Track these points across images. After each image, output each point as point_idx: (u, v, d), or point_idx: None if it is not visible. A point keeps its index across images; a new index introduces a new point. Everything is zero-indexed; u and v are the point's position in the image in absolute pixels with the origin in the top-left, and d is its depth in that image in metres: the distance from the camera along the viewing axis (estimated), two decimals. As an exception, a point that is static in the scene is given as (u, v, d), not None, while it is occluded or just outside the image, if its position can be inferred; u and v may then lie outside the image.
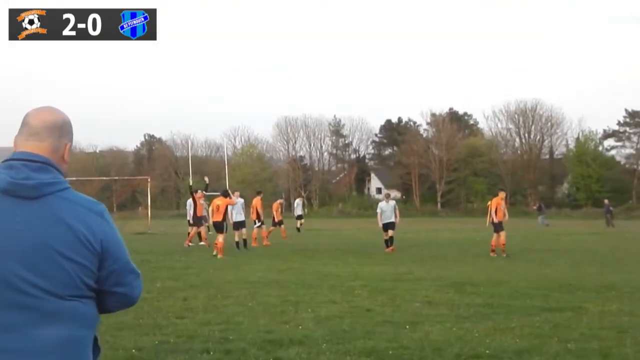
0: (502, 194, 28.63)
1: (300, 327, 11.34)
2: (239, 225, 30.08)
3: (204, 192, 33.93)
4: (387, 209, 29.09)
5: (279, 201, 40.22)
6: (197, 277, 18.79)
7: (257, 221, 33.34)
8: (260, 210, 33.50)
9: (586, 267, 22.09)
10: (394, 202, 30.22)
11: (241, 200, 31.13)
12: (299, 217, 47.20)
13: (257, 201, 34.03)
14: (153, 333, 10.92)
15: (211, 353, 9.49)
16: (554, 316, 12.41)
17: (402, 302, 14.07)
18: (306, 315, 12.52)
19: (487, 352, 9.48)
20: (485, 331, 10.97)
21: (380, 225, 28.94)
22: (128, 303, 3.58)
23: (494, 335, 10.68)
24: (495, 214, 27.24)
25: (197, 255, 26.83)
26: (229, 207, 29.59)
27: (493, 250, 26.84)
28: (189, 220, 34.30)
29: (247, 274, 19.77)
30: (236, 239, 29.74)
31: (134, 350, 9.67)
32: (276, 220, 36.79)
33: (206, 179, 35.83)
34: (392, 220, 28.85)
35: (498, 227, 27.01)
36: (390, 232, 28.61)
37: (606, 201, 65.87)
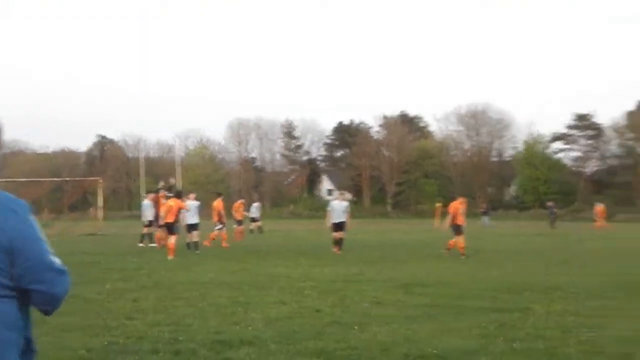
0: (461, 199, 28.49)
1: (250, 327, 11.33)
2: (192, 227, 29.85)
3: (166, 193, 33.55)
4: (338, 208, 28.42)
5: (240, 201, 40.45)
6: (148, 278, 18.69)
7: (219, 223, 33.31)
8: (222, 212, 33.51)
9: (533, 268, 22.28)
10: (347, 203, 29.59)
11: (196, 203, 30.85)
12: (254, 220, 47.15)
13: (218, 203, 34.01)
14: (102, 334, 10.84)
15: (160, 354, 9.45)
16: (501, 316, 12.50)
17: (351, 303, 14.10)
18: (256, 316, 12.51)
19: (434, 352, 9.53)
20: (433, 332, 11.03)
21: (329, 224, 28.46)
22: (51, 301, 3.46)
23: (441, 335, 10.74)
24: (455, 217, 27.29)
25: (149, 256, 26.66)
26: (191, 208, 29.74)
27: (448, 249, 27.11)
28: (150, 221, 34.04)
29: (199, 275, 19.69)
30: (187, 240, 29.51)
31: (83, 351, 9.60)
32: (237, 219, 36.72)
33: (172, 180, 35.66)
34: (343, 220, 28.24)
35: (458, 230, 27.10)
36: (340, 233, 28.10)
37: (550, 203, 66.61)
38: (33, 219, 3.47)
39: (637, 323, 12.00)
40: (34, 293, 3.40)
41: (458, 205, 27.63)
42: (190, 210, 29.94)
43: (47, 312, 3.53)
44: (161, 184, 34.60)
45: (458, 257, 25.91)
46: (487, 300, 14.65)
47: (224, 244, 32.50)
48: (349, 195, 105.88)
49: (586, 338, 10.58)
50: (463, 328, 11.35)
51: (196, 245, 29.20)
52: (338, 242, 28.20)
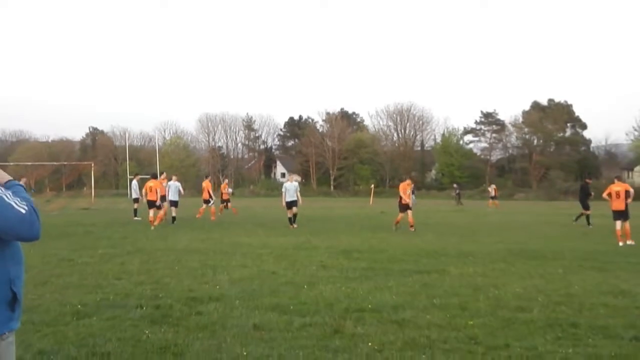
0: (408, 181, 27.45)
1: (217, 287, 11.29)
2: (172, 204, 29.79)
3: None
4: (290, 189, 27.20)
5: (225, 182, 40.30)
6: (132, 246, 18.50)
7: (210, 200, 33.21)
8: (210, 191, 33.40)
9: (449, 237, 22.47)
10: (296, 183, 28.19)
11: (177, 184, 30.59)
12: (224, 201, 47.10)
13: (207, 184, 33.83)
14: (95, 292, 10.74)
15: (144, 308, 9.39)
16: (423, 277, 12.59)
17: (301, 267, 14.10)
18: (222, 277, 12.46)
19: (370, 306, 9.59)
20: (368, 290, 11.08)
21: (284, 203, 27.46)
22: (19, 219, 3.49)
23: (375, 292, 10.80)
24: (402, 197, 26.55)
25: (133, 227, 26.42)
26: (172, 188, 29.84)
27: (396, 223, 26.31)
28: (136, 198, 33.89)
29: (174, 243, 19.55)
30: (173, 214, 29.23)
31: (79, 306, 9.50)
32: (207, 198, 35.87)
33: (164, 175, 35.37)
34: (295, 198, 27.16)
35: (404, 207, 26.35)
36: (294, 209, 27.17)
37: (455, 185, 67.27)
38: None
39: (529, 282, 12.19)
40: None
41: (405, 187, 26.82)
42: (171, 189, 29.90)
43: (27, 237, 3.53)
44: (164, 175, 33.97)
45: (407, 230, 25.43)
46: (411, 263, 14.75)
47: (212, 217, 32.41)
48: (298, 178, 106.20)
49: (492, 295, 10.72)
50: (392, 286, 11.42)
51: (173, 219, 28.92)
52: (291, 219, 27.13)
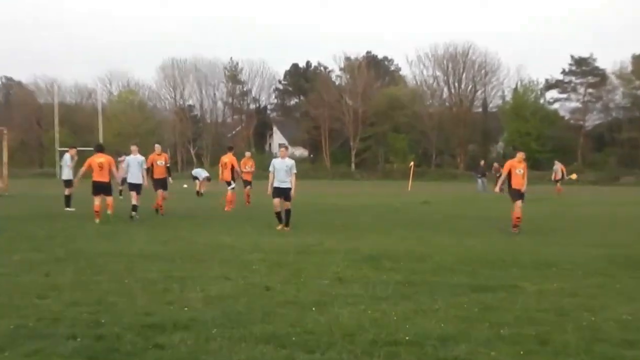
0: (520, 155, 26.32)
1: (186, 308, 11.29)
2: (132, 187, 29.45)
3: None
4: (281, 168, 25.34)
5: (232, 152, 38.58)
6: (63, 249, 18.55)
7: (232, 182, 34.05)
8: (237, 168, 34.54)
9: (520, 238, 22.43)
10: (292, 161, 25.99)
11: (140, 158, 30.24)
12: (196, 178, 47.35)
13: (230, 158, 34.49)
14: (8, 315, 10.75)
15: (79, 339, 9.39)
16: (484, 297, 12.57)
17: (308, 279, 14.10)
18: (194, 294, 12.47)
19: (407, 338, 9.57)
20: (405, 314, 11.06)
21: (270, 190, 25.57)
22: None
23: (414, 318, 10.78)
24: (511, 179, 25.81)
25: (65, 222, 26.48)
26: (132, 165, 29.64)
27: (515, 226, 25.41)
28: (66, 181, 33.93)
29: (124, 245, 19.59)
30: (133, 201, 28.95)
31: (-17, 337, 9.53)
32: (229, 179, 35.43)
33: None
34: (288, 185, 25.28)
35: (516, 195, 25.74)
36: (285, 204, 25.39)
37: (482, 162, 67.34)
38: None
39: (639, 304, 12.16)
40: None
41: (515, 164, 25.92)
42: (131, 166, 29.63)
43: None
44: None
45: (516, 230, 25.07)
46: (467, 276, 14.72)
47: (228, 207, 33.32)
48: (303, 152, 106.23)
49: (586, 323, 10.68)
50: (440, 309, 11.40)
51: (134, 208, 28.63)
52: (281, 216, 25.60)
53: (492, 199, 41.30)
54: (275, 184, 25.49)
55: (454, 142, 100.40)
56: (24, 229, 23.75)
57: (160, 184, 31.71)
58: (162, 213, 30.29)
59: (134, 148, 30.58)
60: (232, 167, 34.17)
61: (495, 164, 66.91)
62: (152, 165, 31.38)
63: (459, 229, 25.47)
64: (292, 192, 25.43)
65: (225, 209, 33.45)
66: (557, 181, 55.75)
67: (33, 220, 27.08)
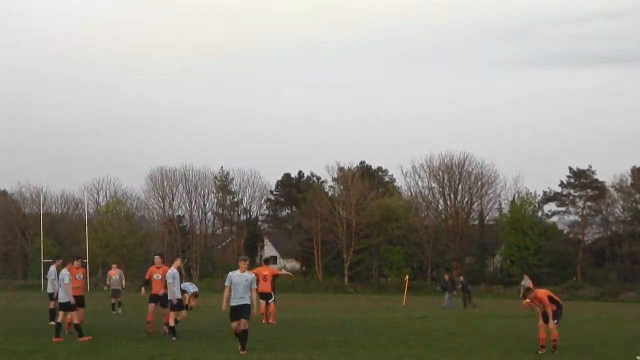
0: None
1: None
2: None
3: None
4: (240, 282, 22.76)
5: (269, 264, 40.05)
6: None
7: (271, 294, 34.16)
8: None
9: (521, 357, 22.29)
10: (252, 275, 23.44)
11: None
12: (184, 292, 47.18)
13: (269, 270, 35.10)
14: None
15: None
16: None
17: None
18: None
19: None
20: None
21: (224, 306, 22.98)
22: None
23: None
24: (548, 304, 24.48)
25: (47, 336, 26.28)
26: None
27: (554, 347, 24.36)
28: (53, 294, 33.71)
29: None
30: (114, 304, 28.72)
31: None
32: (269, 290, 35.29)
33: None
34: (246, 301, 22.70)
35: (553, 314, 24.40)
36: (241, 323, 22.78)
37: (462, 278, 66.99)
38: None
39: None
40: None
41: (546, 294, 24.95)
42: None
43: None
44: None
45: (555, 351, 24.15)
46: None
47: (270, 320, 33.65)
48: (295, 264, 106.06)
49: None
50: None
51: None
52: (240, 336, 23.19)
53: (483, 315, 41.14)
54: (233, 302, 22.80)
55: (449, 255, 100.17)
56: (4, 344, 23.59)
57: (157, 299, 29.26)
58: (149, 331, 27.92)
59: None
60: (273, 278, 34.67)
61: (462, 278, 66.60)
62: (149, 278, 29.87)
63: (456, 345, 25.32)
64: (254, 308, 23.54)
65: (270, 321, 33.80)
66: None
67: (14, 335, 26.90)
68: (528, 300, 24.64)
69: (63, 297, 27.96)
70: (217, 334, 27.84)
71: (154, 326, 29.31)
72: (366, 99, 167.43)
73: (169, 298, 27.44)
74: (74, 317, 27.27)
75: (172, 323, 27.20)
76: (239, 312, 22.61)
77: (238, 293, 22.72)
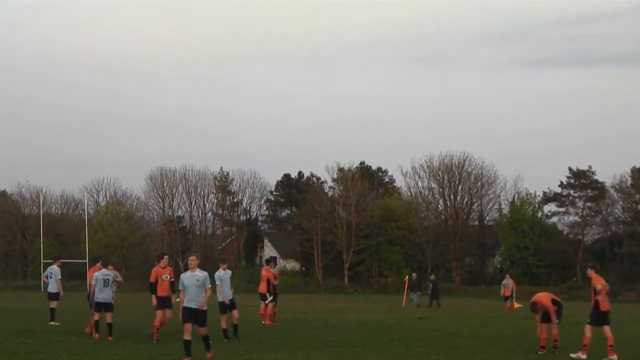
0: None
1: None
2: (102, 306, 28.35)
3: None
4: (190, 284, 21.81)
5: (270, 265, 38.34)
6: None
7: (268, 295, 34.22)
8: (272, 282, 34.46)
9: (521, 357, 22.30)
10: (203, 273, 22.42)
11: (110, 274, 29.20)
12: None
13: (267, 271, 34.91)
14: None
15: None
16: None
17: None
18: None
19: None
20: None
21: (220, 299, 25.72)
22: None
23: None
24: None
25: (49, 337, 26.27)
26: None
27: (554, 346, 24.25)
28: (52, 294, 33.58)
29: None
30: (108, 320, 28.12)
31: None
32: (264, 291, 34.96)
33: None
34: (199, 305, 21.80)
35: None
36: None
37: (432, 276, 66.95)
38: None
39: None
40: None
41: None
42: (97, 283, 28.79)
43: None
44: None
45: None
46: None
47: (267, 321, 33.61)
48: (294, 265, 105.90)
49: None
50: None
51: (110, 327, 27.71)
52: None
53: (483, 316, 41.14)
54: (186, 304, 21.82)
55: (449, 255, 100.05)
56: (4, 344, 23.60)
57: (165, 302, 27.96)
58: (156, 338, 26.29)
59: (110, 266, 29.42)
60: (269, 280, 34.47)
61: (432, 277, 66.56)
62: (156, 280, 27.85)
63: (456, 346, 25.32)
64: (202, 304, 21.82)
65: (264, 323, 33.78)
66: (506, 298, 55.26)
67: (14, 336, 26.85)
68: (537, 316, 24.42)
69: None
70: (216, 334, 27.80)
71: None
72: (366, 99, 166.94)
73: (219, 300, 26.80)
74: (108, 317, 27.23)
75: (236, 322, 27.11)
76: (192, 313, 21.64)
77: (190, 294, 21.69)
